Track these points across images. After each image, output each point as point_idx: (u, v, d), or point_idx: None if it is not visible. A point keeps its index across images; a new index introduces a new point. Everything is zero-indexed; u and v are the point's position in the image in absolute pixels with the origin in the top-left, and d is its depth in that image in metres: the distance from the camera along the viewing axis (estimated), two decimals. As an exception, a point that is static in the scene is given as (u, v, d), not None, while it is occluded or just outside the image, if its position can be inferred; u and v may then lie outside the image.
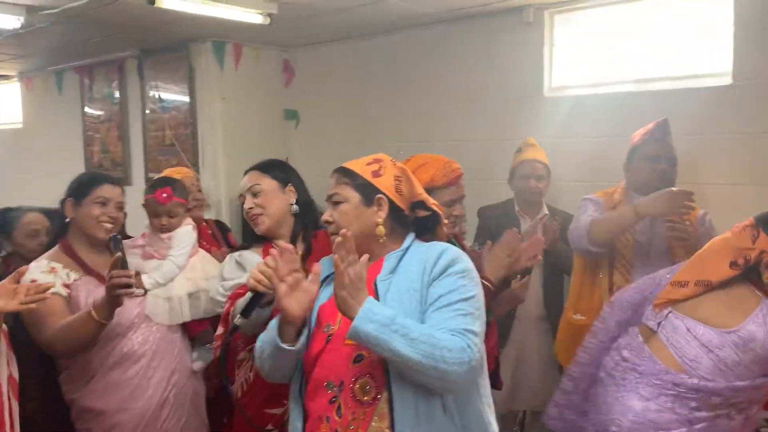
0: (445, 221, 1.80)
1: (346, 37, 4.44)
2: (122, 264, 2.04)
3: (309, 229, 2.16)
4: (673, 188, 2.57)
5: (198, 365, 2.43)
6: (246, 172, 2.19)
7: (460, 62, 3.97)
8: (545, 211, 3.24)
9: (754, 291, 1.94)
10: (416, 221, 1.72)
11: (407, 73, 4.21)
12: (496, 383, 2.50)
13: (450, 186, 2.14)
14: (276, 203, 2.11)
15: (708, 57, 3.18)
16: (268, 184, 2.12)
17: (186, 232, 2.50)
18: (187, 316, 2.39)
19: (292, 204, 2.14)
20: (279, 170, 2.18)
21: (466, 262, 1.60)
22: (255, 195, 2.11)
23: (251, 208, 2.11)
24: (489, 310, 2.33)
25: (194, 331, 2.45)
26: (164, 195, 2.45)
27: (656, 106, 3.12)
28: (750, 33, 3.00)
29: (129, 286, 2.04)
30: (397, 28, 4.15)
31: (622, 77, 3.43)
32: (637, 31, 3.38)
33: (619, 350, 2.11)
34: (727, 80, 3.08)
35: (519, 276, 2.56)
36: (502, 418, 3.34)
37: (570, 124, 3.49)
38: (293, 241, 2.10)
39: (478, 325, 1.52)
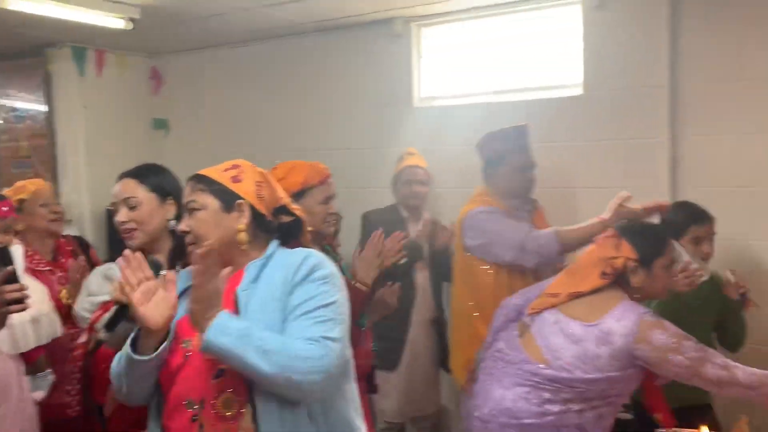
0: (310, 228, 1.79)
1: (217, 44, 4.34)
2: (13, 278, 1.82)
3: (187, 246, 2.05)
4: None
5: (39, 394, 2.26)
6: (119, 178, 1.99)
7: (332, 71, 3.99)
8: (427, 216, 3.35)
9: (620, 292, 2.08)
10: (280, 227, 1.70)
11: (280, 81, 4.18)
12: (372, 387, 2.53)
13: (323, 184, 2.22)
14: (153, 219, 1.95)
15: (562, 69, 3.41)
16: (145, 196, 1.95)
17: (17, 252, 2.31)
18: (32, 343, 2.22)
19: (170, 219, 1.96)
20: (158, 180, 1.99)
21: (329, 268, 1.58)
22: (131, 208, 1.94)
23: (125, 222, 1.94)
24: (363, 314, 2.38)
25: (31, 358, 2.27)
26: (5, 209, 2.23)
27: (516, 116, 3.27)
28: (598, 47, 3.24)
29: (22, 300, 1.82)
30: (268, 37, 4.12)
31: (485, 88, 3.59)
32: (498, 43, 3.56)
33: (497, 343, 2.23)
34: (579, 91, 3.31)
35: (390, 282, 2.61)
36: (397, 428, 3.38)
37: (438, 134, 3.61)
38: (172, 259, 1.93)
39: (339, 331, 1.50)
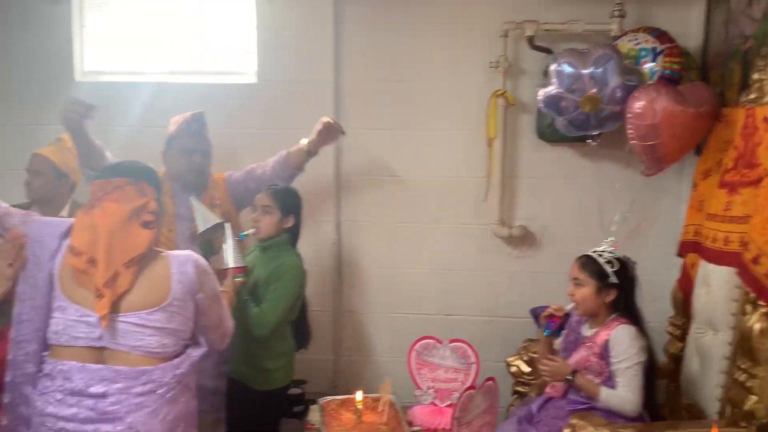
0: None
1: None
2: None
3: None
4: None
5: None
6: None
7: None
8: (64, 212, 3.03)
9: (158, 254, 1.96)
10: None
11: None
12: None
13: None
14: None
15: (237, 55, 3.43)
16: None
17: None
18: None
19: None
20: None
21: None
22: None
23: None
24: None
25: None
26: None
27: (189, 99, 3.21)
28: (270, 37, 3.33)
29: None
30: None
31: (158, 67, 3.44)
32: (171, 23, 3.43)
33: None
34: (253, 78, 3.37)
35: None
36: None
37: (105, 112, 3.31)
38: None
39: None
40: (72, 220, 1.97)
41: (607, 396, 2.32)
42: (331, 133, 2.93)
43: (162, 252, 1.97)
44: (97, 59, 3.48)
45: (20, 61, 3.41)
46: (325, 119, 2.93)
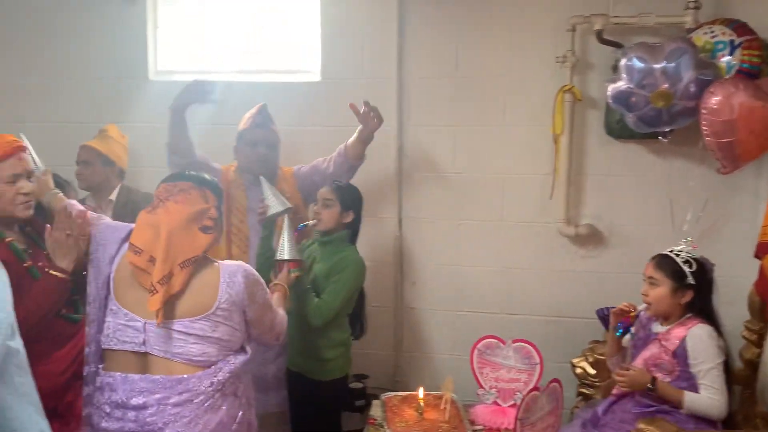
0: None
1: None
2: None
3: None
4: None
5: None
6: None
7: (58, 35, 3.57)
8: (113, 196, 3.17)
9: (211, 263, 1.98)
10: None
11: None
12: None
13: (8, 158, 2.03)
14: None
15: (301, 54, 3.48)
16: None
17: None
18: None
19: None
20: None
21: None
22: None
23: None
24: (78, 304, 2.18)
25: None
26: None
27: (255, 97, 3.27)
28: (335, 36, 3.36)
29: None
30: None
31: (226, 66, 3.53)
32: (239, 22, 3.51)
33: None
34: (317, 77, 3.41)
35: None
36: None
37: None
38: None
39: None
40: (132, 225, 2.02)
41: (692, 401, 2.23)
42: (366, 118, 2.89)
43: (215, 261, 1.99)
44: (169, 59, 3.59)
45: (96, 61, 3.56)
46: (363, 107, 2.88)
